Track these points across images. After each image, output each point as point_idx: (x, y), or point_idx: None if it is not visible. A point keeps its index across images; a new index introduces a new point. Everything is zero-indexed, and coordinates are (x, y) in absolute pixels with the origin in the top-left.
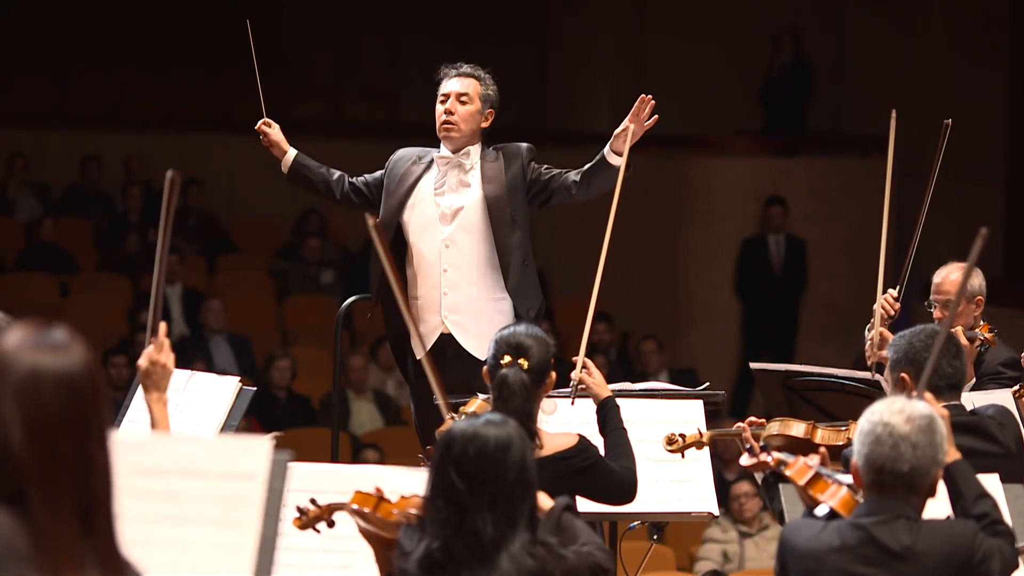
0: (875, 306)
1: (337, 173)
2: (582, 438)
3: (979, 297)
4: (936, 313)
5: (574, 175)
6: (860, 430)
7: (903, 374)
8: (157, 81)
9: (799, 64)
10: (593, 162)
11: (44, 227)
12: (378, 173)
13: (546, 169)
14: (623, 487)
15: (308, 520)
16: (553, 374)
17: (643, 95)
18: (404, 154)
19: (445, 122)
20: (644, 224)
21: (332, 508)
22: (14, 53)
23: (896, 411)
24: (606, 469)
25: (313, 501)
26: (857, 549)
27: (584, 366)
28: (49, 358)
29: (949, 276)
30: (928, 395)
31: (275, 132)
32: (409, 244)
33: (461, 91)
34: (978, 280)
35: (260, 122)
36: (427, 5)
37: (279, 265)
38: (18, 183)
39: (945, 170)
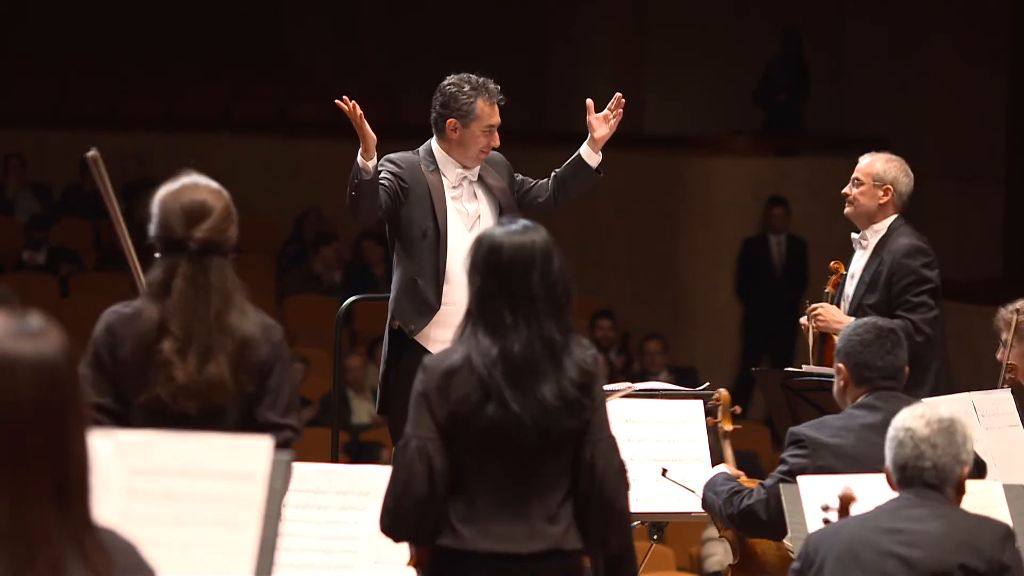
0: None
1: None
2: None
3: (888, 187)
4: (845, 190)
5: (549, 182)
6: (887, 436)
7: (840, 364)
8: (157, 81)
9: (799, 64)
10: (568, 165)
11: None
12: (394, 171)
13: (524, 179)
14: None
15: None
16: None
17: (619, 95)
18: (409, 159)
19: (484, 150)
20: (644, 224)
21: None
22: (14, 53)
23: (917, 416)
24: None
25: None
26: (893, 520)
27: None
28: (26, 345)
29: (870, 160)
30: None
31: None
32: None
33: (499, 121)
34: (901, 174)
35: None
36: (427, 5)
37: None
38: (18, 183)
39: (945, 170)
